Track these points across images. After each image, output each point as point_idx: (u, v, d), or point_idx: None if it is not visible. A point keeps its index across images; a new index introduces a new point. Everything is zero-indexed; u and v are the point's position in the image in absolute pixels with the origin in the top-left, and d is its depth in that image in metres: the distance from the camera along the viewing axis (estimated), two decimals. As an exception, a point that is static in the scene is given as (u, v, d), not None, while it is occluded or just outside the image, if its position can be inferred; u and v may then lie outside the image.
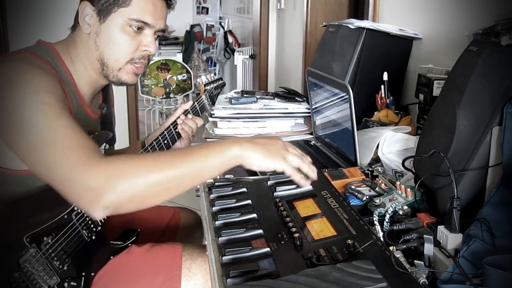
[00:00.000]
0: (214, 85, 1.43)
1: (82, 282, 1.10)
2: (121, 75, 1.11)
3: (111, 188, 0.81)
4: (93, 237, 1.12)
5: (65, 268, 1.06)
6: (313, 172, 0.98)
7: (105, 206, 0.81)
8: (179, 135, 1.30)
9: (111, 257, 1.17)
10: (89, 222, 1.11)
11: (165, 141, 1.26)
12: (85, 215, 1.09)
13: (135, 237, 1.23)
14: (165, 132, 1.27)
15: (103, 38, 1.07)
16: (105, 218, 1.15)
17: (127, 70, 1.11)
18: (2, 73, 0.94)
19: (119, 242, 1.20)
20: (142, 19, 1.07)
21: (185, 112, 1.33)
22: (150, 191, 0.84)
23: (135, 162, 0.86)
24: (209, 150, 0.90)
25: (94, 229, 1.12)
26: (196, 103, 1.36)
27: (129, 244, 1.21)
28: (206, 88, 1.40)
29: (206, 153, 0.89)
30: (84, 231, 1.10)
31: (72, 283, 1.07)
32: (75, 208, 1.08)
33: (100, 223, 1.13)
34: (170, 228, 1.48)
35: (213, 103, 1.44)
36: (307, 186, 0.99)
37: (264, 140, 0.95)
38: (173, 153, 0.94)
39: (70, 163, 0.84)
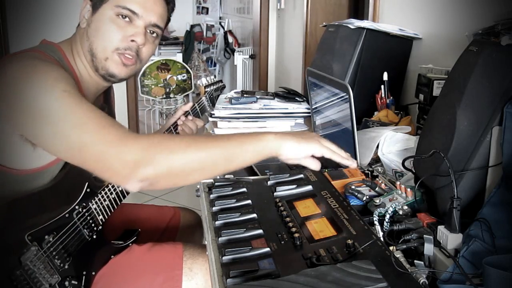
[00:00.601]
0: (214, 87, 1.45)
1: (83, 281, 1.10)
2: (108, 65, 1.09)
3: (150, 160, 0.83)
4: (94, 236, 1.12)
5: (66, 266, 1.06)
6: (352, 159, 0.99)
7: (142, 178, 0.83)
8: None
9: (112, 256, 1.18)
10: (90, 221, 1.11)
11: None
12: (86, 214, 1.10)
13: (135, 237, 1.23)
14: (165, 133, 1.28)
15: (93, 27, 1.08)
16: (106, 217, 1.15)
17: (114, 60, 1.09)
18: (17, 69, 0.94)
19: (120, 242, 1.21)
20: (129, 6, 1.06)
21: (185, 114, 1.34)
22: (186, 167, 0.86)
23: (173, 139, 0.90)
24: (245, 136, 0.92)
25: (95, 229, 1.13)
26: (196, 104, 1.37)
27: (130, 244, 1.22)
28: (206, 90, 1.41)
29: (242, 139, 0.92)
30: (85, 230, 1.10)
31: (73, 282, 1.07)
32: (76, 208, 1.08)
33: (101, 223, 1.14)
34: (170, 228, 1.48)
35: (213, 105, 1.45)
36: (354, 165, 0.99)
37: (297, 132, 0.99)
38: (210, 136, 0.97)
39: (105, 139, 0.86)
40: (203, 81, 1.44)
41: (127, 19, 1.07)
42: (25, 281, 0.99)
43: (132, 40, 1.09)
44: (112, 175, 0.86)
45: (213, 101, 1.44)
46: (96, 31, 1.08)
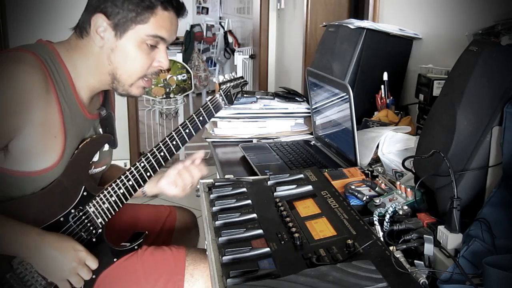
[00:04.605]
0: (232, 84, 1.37)
1: (83, 284, 1.09)
2: (131, 89, 1.12)
3: None
4: (94, 240, 1.12)
5: None
6: None
7: None
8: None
9: (115, 259, 1.16)
10: (88, 224, 1.10)
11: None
12: (83, 217, 1.09)
13: (142, 240, 1.21)
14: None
15: (118, 54, 1.07)
16: (106, 220, 1.14)
17: (137, 85, 1.12)
18: None
19: (127, 244, 1.19)
20: (159, 34, 1.07)
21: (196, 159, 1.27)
22: None
23: None
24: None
25: (94, 232, 1.12)
26: (209, 102, 1.28)
27: (136, 247, 1.20)
28: (221, 87, 1.35)
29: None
30: (82, 233, 1.09)
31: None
32: (72, 211, 1.07)
33: (101, 226, 1.13)
34: (167, 228, 1.47)
35: (231, 103, 1.37)
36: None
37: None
38: None
39: None
40: (220, 78, 1.37)
41: (152, 45, 1.08)
42: (16, 284, 0.99)
43: (158, 65, 1.11)
44: None
45: (230, 99, 1.37)
46: (123, 59, 1.07)
